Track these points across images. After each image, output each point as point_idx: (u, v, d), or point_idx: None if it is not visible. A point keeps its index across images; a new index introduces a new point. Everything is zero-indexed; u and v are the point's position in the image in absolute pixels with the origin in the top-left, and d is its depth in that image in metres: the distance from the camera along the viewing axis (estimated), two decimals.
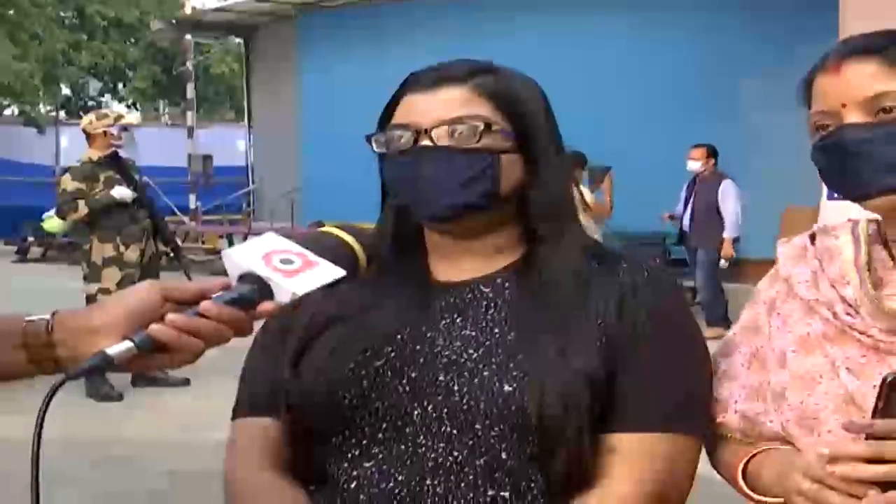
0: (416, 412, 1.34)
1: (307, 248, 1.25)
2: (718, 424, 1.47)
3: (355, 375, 1.37)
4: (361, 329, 1.41)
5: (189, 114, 20.79)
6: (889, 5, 4.84)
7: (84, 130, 7.42)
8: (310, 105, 16.88)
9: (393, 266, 1.47)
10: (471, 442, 1.31)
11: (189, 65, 20.56)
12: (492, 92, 1.41)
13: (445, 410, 1.33)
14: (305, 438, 1.40)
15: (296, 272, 1.21)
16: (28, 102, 26.82)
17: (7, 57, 23.87)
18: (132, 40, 31.08)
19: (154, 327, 1.15)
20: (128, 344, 1.14)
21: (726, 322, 8.71)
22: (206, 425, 5.97)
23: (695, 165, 9.83)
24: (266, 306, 1.20)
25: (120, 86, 33.26)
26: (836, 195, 1.43)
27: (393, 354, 1.38)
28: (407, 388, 1.35)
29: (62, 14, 29.91)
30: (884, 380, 1.18)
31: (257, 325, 1.30)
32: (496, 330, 1.38)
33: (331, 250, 1.26)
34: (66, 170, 7.81)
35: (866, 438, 1.17)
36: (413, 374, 1.36)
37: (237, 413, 1.51)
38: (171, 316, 1.16)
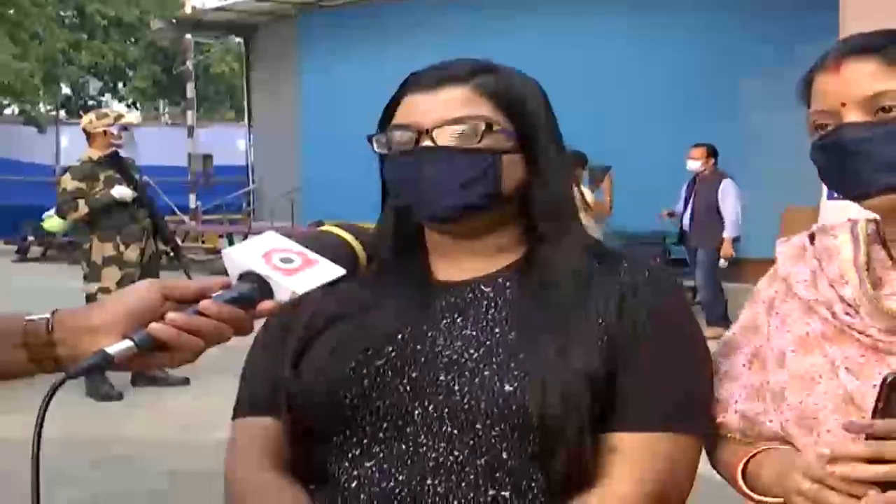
0: (416, 412, 1.34)
1: (307, 246, 1.25)
2: (718, 424, 1.47)
3: (356, 375, 1.37)
4: (362, 328, 1.41)
5: (189, 113, 20.78)
6: (889, 5, 4.84)
7: (84, 130, 7.41)
8: (310, 105, 16.89)
9: (393, 266, 1.47)
10: (471, 441, 1.31)
11: (189, 64, 20.55)
12: (492, 91, 1.41)
13: (446, 410, 1.33)
14: (306, 438, 1.40)
15: (296, 271, 1.21)
16: (28, 102, 26.82)
17: (7, 56, 23.88)
18: (132, 40, 31.08)
19: (154, 326, 1.15)
20: (128, 343, 1.14)
21: (726, 321, 8.70)
22: (206, 424, 5.97)
23: (695, 165, 9.83)
24: (266, 305, 1.20)
25: (120, 85, 33.26)
26: (835, 195, 1.43)
27: (394, 354, 1.38)
28: (408, 388, 1.35)
29: (62, 13, 29.91)
30: (884, 380, 1.18)
31: (257, 324, 1.30)
32: (497, 329, 1.38)
33: (331, 249, 1.26)
34: (66, 169, 7.81)
35: (866, 438, 1.17)
36: (414, 374, 1.36)
37: (238, 412, 1.51)
38: (171, 315, 1.16)
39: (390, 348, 1.38)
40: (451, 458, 1.31)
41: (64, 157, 22.63)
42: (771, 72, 10.10)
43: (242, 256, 1.22)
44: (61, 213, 7.35)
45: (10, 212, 19.67)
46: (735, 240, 9.72)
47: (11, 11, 25.33)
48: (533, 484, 1.31)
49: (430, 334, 1.39)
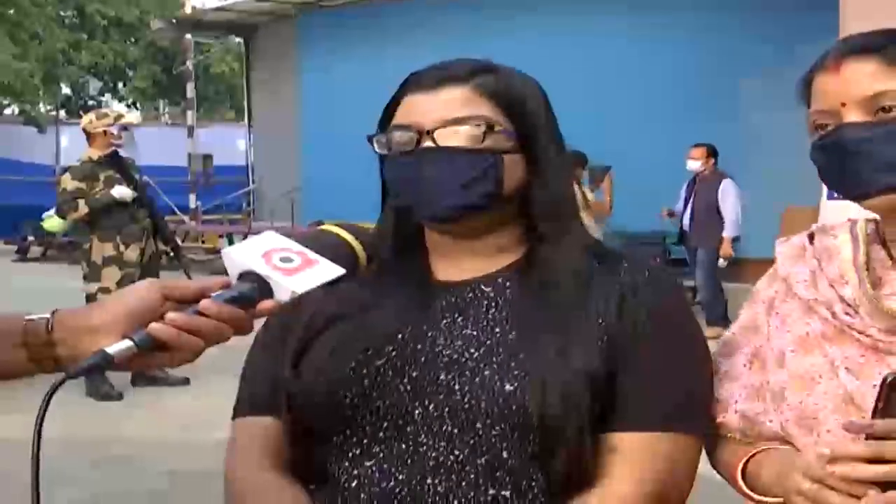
0: (417, 411, 1.34)
1: (307, 246, 1.25)
2: (718, 424, 1.47)
3: (356, 374, 1.37)
4: (362, 328, 1.41)
5: (189, 113, 20.79)
6: (889, 5, 4.84)
7: (84, 130, 7.42)
8: (310, 104, 16.89)
9: (393, 266, 1.47)
10: (472, 441, 1.31)
11: (189, 64, 20.55)
12: (493, 91, 1.41)
13: (446, 409, 1.33)
14: (306, 438, 1.40)
15: (295, 270, 1.21)
16: (28, 102, 26.83)
17: (7, 56, 23.88)
18: (132, 40, 31.08)
19: (154, 326, 1.15)
20: (128, 343, 1.14)
21: (726, 321, 8.70)
22: (205, 424, 5.97)
23: (695, 165, 9.83)
24: (266, 304, 1.20)
25: (120, 85, 33.26)
26: (835, 195, 1.43)
27: (394, 353, 1.38)
28: (408, 387, 1.35)
29: (62, 13, 29.92)
30: (884, 380, 1.18)
31: (257, 324, 1.30)
32: (497, 329, 1.38)
33: (330, 249, 1.26)
34: (66, 169, 7.81)
35: (866, 438, 1.17)
36: (414, 373, 1.36)
37: (238, 412, 1.51)
38: (170, 315, 1.16)
39: (390, 348, 1.38)
40: (451, 457, 1.31)
41: (64, 157, 22.63)
42: (771, 72, 10.10)
43: (242, 256, 1.22)
44: (61, 213, 7.35)
45: (10, 212, 19.68)
46: (735, 239, 9.73)
47: (11, 11, 25.33)
48: (533, 483, 1.31)
49: (430, 334, 1.39)
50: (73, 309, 1.24)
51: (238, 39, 20.99)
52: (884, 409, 1.17)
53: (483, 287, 1.43)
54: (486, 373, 1.33)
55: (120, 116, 7.75)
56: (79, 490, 4.95)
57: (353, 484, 1.34)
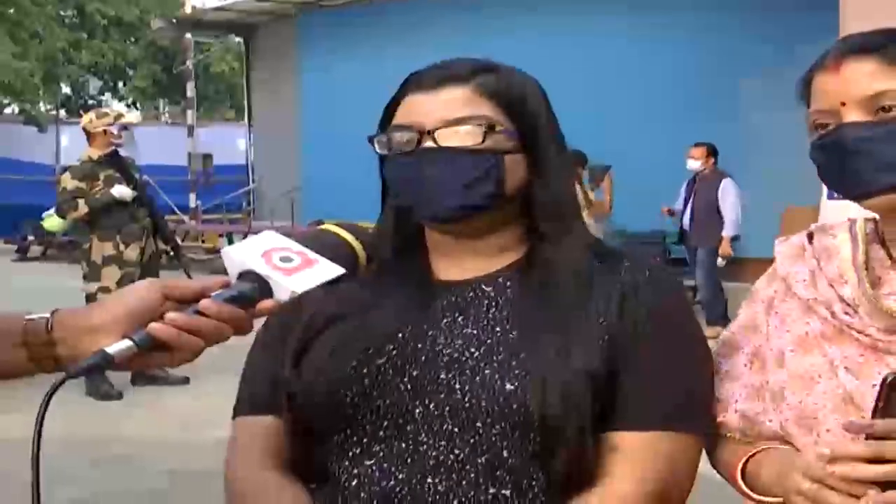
0: (417, 410, 1.34)
1: (306, 246, 1.25)
2: (718, 424, 1.47)
3: (357, 374, 1.37)
4: (362, 328, 1.41)
5: (189, 112, 20.79)
6: (889, 5, 4.83)
7: (84, 129, 7.42)
8: (310, 104, 16.88)
9: (394, 265, 1.47)
10: (472, 440, 1.31)
11: (189, 63, 20.55)
12: (494, 91, 1.41)
13: (447, 408, 1.33)
14: (306, 437, 1.40)
15: (295, 270, 1.20)
16: (28, 101, 26.85)
17: (7, 55, 23.89)
18: (132, 39, 31.08)
19: (154, 326, 1.15)
20: (128, 342, 1.14)
21: (726, 321, 8.66)
22: (205, 424, 5.97)
23: (695, 164, 9.83)
24: (266, 304, 1.20)
25: (120, 84, 33.27)
26: (836, 194, 1.43)
27: (394, 353, 1.38)
28: (408, 386, 1.35)
29: (62, 13, 29.92)
30: (884, 380, 1.18)
31: (257, 324, 1.30)
32: (498, 328, 1.38)
33: (330, 248, 1.26)
34: (66, 168, 7.82)
35: (866, 438, 1.17)
36: (414, 373, 1.36)
37: (238, 411, 1.51)
38: (170, 314, 1.16)
39: (391, 347, 1.38)
40: (451, 456, 1.31)
41: (64, 156, 22.62)
42: (771, 72, 10.10)
43: (242, 255, 1.21)
44: (61, 213, 7.35)
45: (10, 211, 19.68)
46: (734, 239, 9.73)
47: (11, 11, 25.34)
48: (533, 483, 1.31)
49: (430, 333, 1.39)
50: (73, 309, 1.24)
51: (238, 39, 20.97)
52: (884, 409, 1.18)
53: (484, 286, 1.43)
54: (487, 372, 1.33)
55: (120, 116, 7.76)
56: (79, 489, 4.96)
57: (354, 483, 1.34)
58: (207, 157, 20.15)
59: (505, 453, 1.30)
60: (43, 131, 26.23)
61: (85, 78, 32.70)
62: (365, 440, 1.36)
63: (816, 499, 1.20)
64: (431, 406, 1.34)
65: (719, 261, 9.72)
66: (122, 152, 7.36)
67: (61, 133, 25.69)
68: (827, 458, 1.19)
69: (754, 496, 1.39)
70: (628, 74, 12.64)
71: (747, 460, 1.43)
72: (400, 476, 1.32)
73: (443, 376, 1.35)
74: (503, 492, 1.30)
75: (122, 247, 7.17)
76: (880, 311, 1.34)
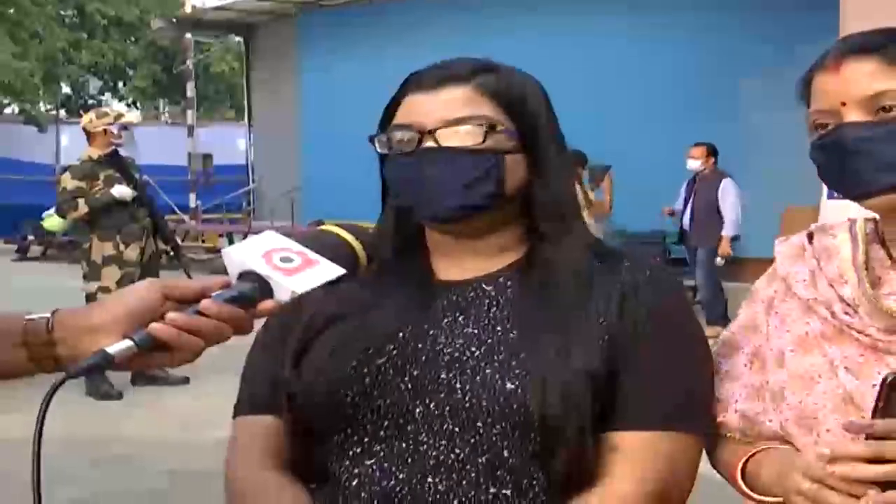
0: (417, 410, 1.34)
1: (307, 246, 1.25)
2: (718, 424, 1.47)
3: (357, 373, 1.37)
4: (363, 328, 1.41)
5: (189, 112, 20.80)
6: (889, 5, 4.83)
7: (84, 129, 7.42)
8: (310, 104, 16.89)
9: (394, 265, 1.47)
10: (472, 440, 1.31)
11: (189, 63, 20.55)
12: (494, 91, 1.41)
13: (447, 408, 1.33)
14: (306, 437, 1.40)
15: (296, 270, 1.20)
16: (28, 101, 26.86)
17: (7, 55, 23.89)
18: (132, 39, 31.09)
19: (154, 326, 1.15)
20: (128, 342, 1.14)
21: (725, 321, 8.66)
22: (205, 424, 5.98)
23: (695, 164, 9.84)
24: (266, 304, 1.19)
25: (120, 84, 33.27)
26: (836, 194, 1.43)
27: (395, 352, 1.38)
28: (409, 386, 1.35)
29: (62, 13, 29.92)
30: (884, 380, 1.18)
31: (258, 324, 1.30)
32: (498, 328, 1.38)
33: (331, 249, 1.26)
34: (66, 168, 7.82)
35: (866, 438, 1.17)
36: (415, 372, 1.36)
37: (238, 411, 1.51)
38: (171, 314, 1.16)
39: (391, 347, 1.38)
40: (451, 456, 1.31)
41: (64, 156, 22.62)
42: (771, 72, 10.10)
43: (242, 256, 1.21)
44: (61, 213, 7.35)
45: (10, 211, 19.69)
46: (734, 239, 9.73)
47: (12, 11, 25.34)
48: (534, 482, 1.31)
49: (431, 333, 1.39)
50: (74, 308, 1.24)
51: (238, 39, 20.98)
52: (884, 409, 1.18)
53: (484, 286, 1.43)
54: (488, 371, 1.33)
55: (120, 115, 7.77)
56: (78, 489, 4.96)
57: (354, 483, 1.34)
58: (207, 157, 20.16)
59: (505, 453, 1.30)
60: (43, 131, 26.25)
61: (85, 78, 32.70)
62: (365, 440, 1.35)
63: (816, 499, 1.20)
64: (432, 406, 1.34)
65: (718, 260, 9.72)
66: (123, 152, 7.36)
67: (61, 133, 25.70)
68: (827, 458, 1.20)
69: (754, 496, 1.39)
70: (628, 74, 12.65)
71: (747, 460, 1.43)
72: (400, 476, 1.32)
73: (443, 376, 1.35)
74: (503, 491, 1.30)
75: (122, 247, 7.17)
76: (880, 311, 1.34)
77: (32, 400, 1.09)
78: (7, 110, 29.77)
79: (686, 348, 1.42)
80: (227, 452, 1.48)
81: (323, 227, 1.32)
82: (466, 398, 1.32)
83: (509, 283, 1.43)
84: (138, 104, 33.21)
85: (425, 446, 1.32)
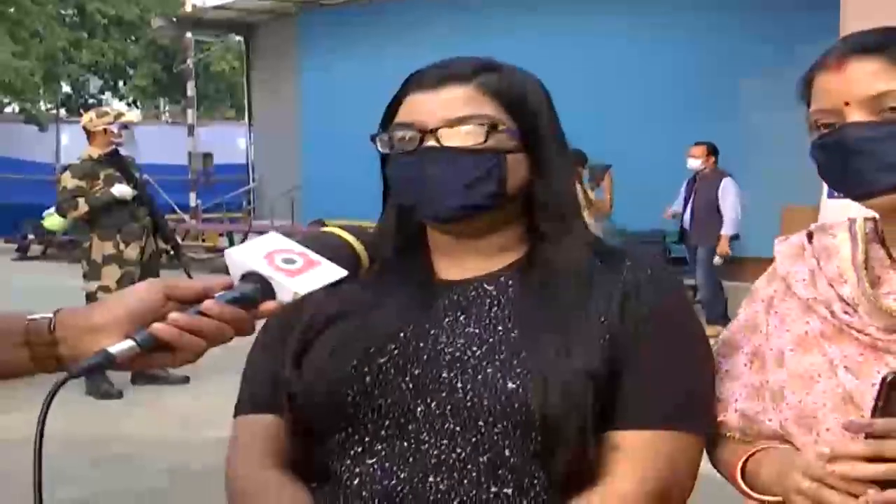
0: (419, 409, 1.34)
1: (309, 247, 1.25)
2: (719, 423, 1.47)
3: (358, 373, 1.37)
4: (364, 327, 1.41)
5: (189, 112, 20.79)
6: (889, 5, 4.83)
7: (84, 128, 7.43)
8: (310, 103, 16.89)
9: (395, 264, 1.47)
10: (474, 439, 1.31)
11: (189, 62, 20.55)
12: (496, 90, 1.41)
13: (449, 407, 1.33)
14: (307, 436, 1.40)
15: (298, 272, 1.21)
16: (28, 100, 26.85)
17: (7, 54, 23.88)
18: (133, 38, 31.06)
19: (156, 326, 1.15)
20: (130, 343, 1.14)
21: (726, 320, 8.66)
22: (205, 423, 5.98)
23: (695, 163, 9.84)
24: (268, 305, 1.19)
25: (120, 83, 33.24)
26: (836, 193, 1.43)
27: (396, 352, 1.38)
28: (410, 385, 1.35)
29: (63, 12, 29.89)
30: (883, 379, 1.19)
31: (259, 325, 1.30)
32: (500, 327, 1.38)
33: (333, 250, 1.26)
34: (66, 167, 7.82)
35: (866, 437, 1.18)
36: (416, 371, 1.36)
37: (239, 411, 1.51)
38: (173, 315, 1.16)
39: (392, 346, 1.38)
40: (453, 455, 1.31)
41: (64, 155, 22.59)
42: (771, 72, 10.10)
43: (244, 257, 1.22)
44: (61, 212, 7.36)
45: (11, 210, 19.67)
46: (733, 238, 9.73)
47: (12, 10, 25.32)
48: (535, 481, 1.31)
49: (432, 332, 1.39)
50: (75, 308, 1.24)
51: (238, 38, 20.98)
52: (883, 408, 1.18)
53: (485, 286, 1.43)
54: (489, 371, 1.33)
55: (120, 115, 7.77)
56: (79, 489, 4.96)
57: (355, 482, 1.34)
58: (208, 156, 20.15)
59: (506, 452, 1.30)
60: (43, 130, 26.21)
61: (85, 77, 32.68)
62: (366, 439, 1.36)
63: (816, 497, 1.21)
64: (433, 405, 1.34)
65: (716, 259, 9.72)
66: (123, 151, 7.36)
67: (61, 132, 25.67)
68: (827, 457, 1.20)
69: (754, 495, 1.39)
70: (628, 74, 12.64)
71: (747, 459, 1.43)
72: (401, 475, 1.32)
73: (444, 375, 1.35)
74: (504, 491, 1.30)
75: (122, 246, 7.17)
76: (880, 311, 1.34)
77: (33, 400, 1.09)
78: (7, 109, 29.76)
79: (687, 348, 1.42)
80: (227, 451, 1.48)
81: (325, 228, 1.33)
82: (468, 397, 1.32)
83: (510, 282, 1.43)
84: (138, 103, 33.19)
85: (426, 445, 1.32)
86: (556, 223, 1.43)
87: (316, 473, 1.40)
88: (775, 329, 1.46)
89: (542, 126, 1.44)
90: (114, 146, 7.26)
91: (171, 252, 7.66)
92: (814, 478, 1.21)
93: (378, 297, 1.44)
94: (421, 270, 1.48)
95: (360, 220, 1.40)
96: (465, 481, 1.30)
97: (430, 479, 1.31)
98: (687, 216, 10.00)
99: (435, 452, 1.32)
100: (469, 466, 1.31)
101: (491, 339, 1.37)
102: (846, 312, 1.37)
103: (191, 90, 20.61)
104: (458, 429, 1.32)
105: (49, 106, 29.93)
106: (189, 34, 20.06)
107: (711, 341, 1.48)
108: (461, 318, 1.40)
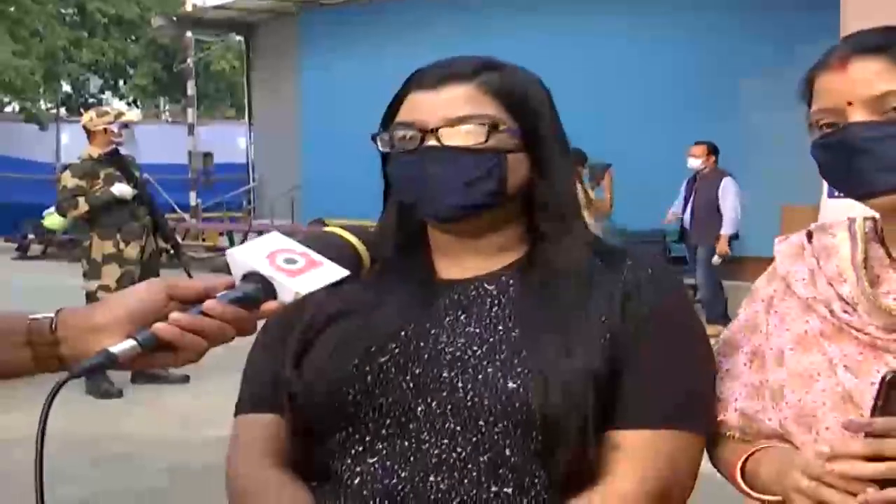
0: (419, 408, 1.34)
1: (311, 247, 1.25)
2: (718, 423, 1.48)
3: (359, 372, 1.37)
4: (365, 326, 1.41)
5: (189, 111, 20.78)
6: (889, 5, 4.83)
7: (84, 127, 7.43)
8: (310, 102, 16.89)
9: (396, 264, 1.47)
10: (474, 438, 1.31)
11: (190, 62, 20.54)
12: (497, 89, 1.41)
13: (449, 407, 1.33)
14: (308, 436, 1.40)
15: (300, 272, 1.21)
16: (29, 99, 26.84)
17: (8, 54, 23.87)
18: (133, 37, 31.05)
19: (158, 326, 1.15)
20: (132, 342, 1.14)
21: (726, 319, 8.69)
22: (205, 422, 5.98)
23: (695, 163, 9.84)
24: (269, 305, 1.19)
25: (121, 83, 33.24)
26: (836, 193, 1.43)
27: (397, 351, 1.38)
28: (411, 385, 1.36)
29: (63, 11, 29.89)
30: (883, 378, 1.19)
31: (260, 324, 1.30)
32: (500, 327, 1.38)
33: (334, 250, 1.26)
34: (66, 167, 7.82)
35: (865, 436, 1.18)
36: (417, 371, 1.36)
37: (239, 410, 1.51)
38: (174, 314, 1.15)
39: (394, 345, 1.38)
40: (453, 454, 1.31)
41: (64, 154, 22.59)
42: (771, 72, 10.10)
43: (246, 257, 1.22)
44: (61, 211, 7.35)
45: (11, 209, 19.66)
46: (733, 237, 9.73)
47: (12, 9, 25.31)
48: (535, 481, 1.31)
49: (433, 331, 1.39)
50: (77, 308, 1.24)
51: (239, 37, 20.98)
52: (883, 407, 1.18)
53: (486, 285, 1.43)
54: (489, 370, 1.33)
55: (120, 114, 7.78)
56: (79, 488, 4.96)
57: (356, 481, 1.34)
58: (208, 156, 20.15)
59: (507, 452, 1.31)
60: (43, 129, 26.20)
61: (85, 76, 32.67)
62: (367, 438, 1.36)
63: (815, 496, 1.21)
64: (434, 404, 1.34)
65: (715, 259, 9.72)
66: (123, 150, 7.36)
67: (62, 131, 25.66)
68: (826, 456, 1.20)
69: (754, 495, 1.39)
70: (628, 74, 12.64)
71: (747, 459, 1.43)
72: (402, 474, 1.32)
73: (445, 375, 1.35)
74: (505, 490, 1.30)
75: (122, 245, 7.17)
76: (879, 310, 1.34)
77: (33, 399, 1.09)
78: (7, 108, 29.76)
79: (687, 347, 1.42)
80: (228, 450, 1.48)
81: (327, 228, 1.33)
82: (468, 397, 1.33)
83: (511, 282, 1.43)
84: (139, 102, 33.19)
85: (427, 445, 1.33)
86: (556, 223, 1.44)
87: (316, 473, 1.40)
88: (775, 328, 1.46)
89: (543, 126, 1.44)
90: (114, 145, 7.25)
91: (172, 251, 7.66)
92: (813, 476, 1.21)
93: (379, 297, 1.44)
94: (422, 270, 1.48)
95: (361, 220, 1.40)
96: (466, 480, 1.30)
97: (431, 478, 1.31)
98: (687, 216, 10.00)
99: (435, 452, 1.32)
100: (469, 466, 1.31)
101: (491, 339, 1.37)
102: (846, 311, 1.37)
103: (191, 89, 20.60)
104: (458, 428, 1.32)
105: (49, 105, 29.92)
106: (189, 33, 20.06)
107: (712, 341, 1.48)
108: (462, 318, 1.41)
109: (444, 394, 1.34)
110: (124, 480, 5.25)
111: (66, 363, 1.20)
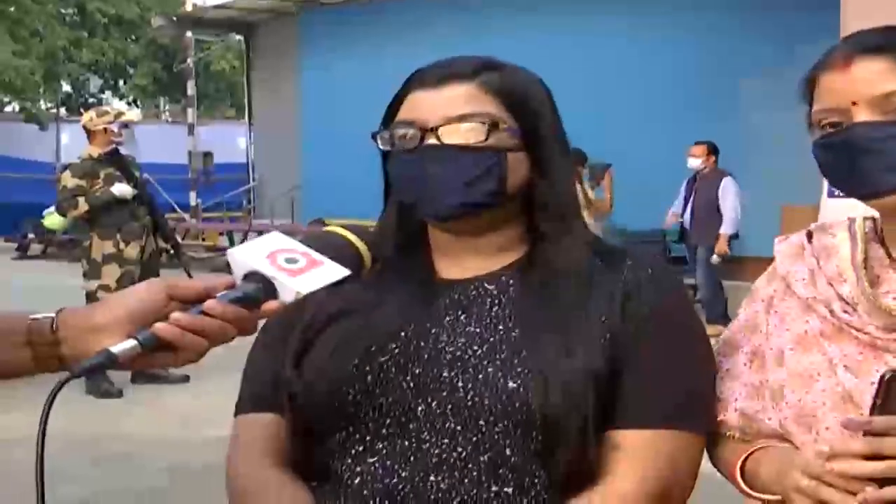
0: (420, 408, 1.34)
1: (311, 247, 1.25)
2: (719, 423, 1.48)
3: (359, 372, 1.37)
4: (365, 326, 1.41)
5: (189, 111, 20.77)
6: (889, 5, 4.83)
7: (84, 127, 7.43)
8: (310, 102, 16.88)
9: (396, 263, 1.47)
10: (475, 438, 1.31)
11: (190, 62, 20.54)
12: (498, 89, 1.41)
13: (450, 406, 1.33)
14: (308, 435, 1.40)
15: (300, 271, 1.21)
16: (29, 99, 26.82)
17: (8, 54, 23.86)
18: (133, 37, 31.03)
19: (159, 326, 1.15)
20: (132, 342, 1.14)
21: (726, 319, 8.70)
22: (205, 422, 5.98)
23: (695, 163, 9.84)
24: (270, 305, 1.19)
25: (121, 83, 33.23)
26: (836, 192, 1.43)
27: (397, 351, 1.38)
28: (411, 384, 1.36)
29: (63, 11, 29.88)
30: (882, 377, 1.19)
31: (260, 324, 1.30)
32: (500, 327, 1.38)
33: (335, 250, 1.26)
34: (66, 166, 7.82)
35: (864, 435, 1.18)
36: (417, 371, 1.36)
37: (240, 409, 1.51)
38: (175, 314, 1.15)
39: (394, 345, 1.39)
40: (454, 454, 1.31)
41: (64, 154, 22.58)
42: (771, 72, 10.10)
43: (247, 256, 1.22)
44: (61, 211, 7.36)
45: (11, 209, 19.66)
46: (733, 237, 9.73)
47: (12, 9, 25.31)
48: (536, 480, 1.31)
49: (433, 331, 1.40)
50: (77, 308, 1.24)
51: (239, 37, 20.97)
52: (882, 406, 1.18)
53: (486, 285, 1.43)
54: (490, 370, 1.33)
55: (120, 114, 7.78)
56: (79, 487, 4.96)
57: (356, 481, 1.34)
58: (208, 156, 20.15)
59: (507, 451, 1.31)
60: (43, 129, 26.18)
61: (85, 76, 32.66)
62: (367, 438, 1.36)
63: (815, 495, 1.21)
64: (434, 404, 1.34)
65: (714, 258, 9.72)
66: (123, 150, 7.36)
67: (62, 131, 25.65)
68: (826, 456, 1.20)
69: (754, 494, 1.39)
70: (628, 74, 12.64)
71: (746, 458, 1.43)
72: (402, 474, 1.32)
73: (445, 374, 1.35)
74: (505, 490, 1.30)
75: (122, 245, 7.17)
76: (879, 310, 1.34)
77: (33, 399, 1.09)
78: (7, 108, 29.75)
79: (688, 347, 1.42)
80: (228, 450, 1.48)
81: (328, 227, 1.33)
82: (468, 397, 1.33)
83: (511, 281, 1.43)
84: (139, 102, 33.17)
85: (427, 444, 1.33)
86: (556, 223, 1.44)
87: (316, 472, 1.40)
88: (775, 328, 1.46)
89: (544, 125, 1.44)
90: (114, 145, 7.25)
91: (171, 251, 7.65)
92: (813, 476, 1.21)
93: (379, 296, 1.44)
94: (422, 269, 1.48)
95: (361, 220, 1.40)
96: (466, 480, 1.30)
97: (431, 478, 1.31)
98: (687, 216, 10.00)
99: (436, 451, 1.32)
100: (470, 465, 1.31)
101: (492, 339, 1.37)
102: (845, 311, 1.37)
103: (191, 89, 20.60)
104: (458, 428, 1.32)
105: (49, 105, 29.91)
106: (189, 33, 20.05)
107: (712, 341, 1.48)
108: (462, 318, 1.41)
109: (445, 393, 1.34)
110: (124, 480, 5.26)
111: (67, 363, 1.19)
